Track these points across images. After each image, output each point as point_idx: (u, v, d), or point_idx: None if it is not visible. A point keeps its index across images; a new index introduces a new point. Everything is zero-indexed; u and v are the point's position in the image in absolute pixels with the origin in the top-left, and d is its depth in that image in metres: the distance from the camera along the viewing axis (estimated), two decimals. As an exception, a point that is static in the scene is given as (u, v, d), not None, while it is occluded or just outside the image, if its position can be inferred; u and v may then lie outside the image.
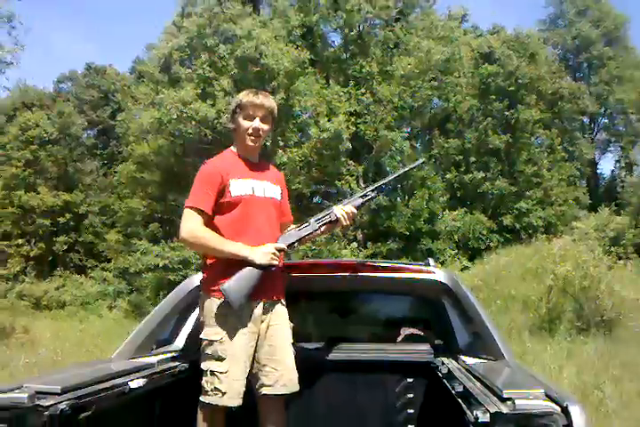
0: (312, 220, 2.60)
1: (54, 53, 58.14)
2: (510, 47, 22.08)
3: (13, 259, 24.07)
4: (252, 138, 2.53)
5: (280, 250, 2.46)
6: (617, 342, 8.26)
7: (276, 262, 2.43)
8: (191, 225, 2.38)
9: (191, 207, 2.40)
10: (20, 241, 24.63)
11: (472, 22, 26.95)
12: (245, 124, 2.52)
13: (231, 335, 2.36)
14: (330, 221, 2.60)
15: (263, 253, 2.40)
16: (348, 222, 2.60)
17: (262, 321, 2.47)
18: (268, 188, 2.56)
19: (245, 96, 2.54)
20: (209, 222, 2.44)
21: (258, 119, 2.52)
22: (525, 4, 58.11)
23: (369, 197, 2.66)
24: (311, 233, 2.61)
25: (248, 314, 2.41)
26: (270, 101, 2.57)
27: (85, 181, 27.09)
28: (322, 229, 2.62)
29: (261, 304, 2.46)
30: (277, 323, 2.52)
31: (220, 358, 2.35)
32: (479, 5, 53.16)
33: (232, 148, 2.63)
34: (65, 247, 25.64)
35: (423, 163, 18.08)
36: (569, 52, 30.68)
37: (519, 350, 7.97)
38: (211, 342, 2.37)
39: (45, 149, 26.11)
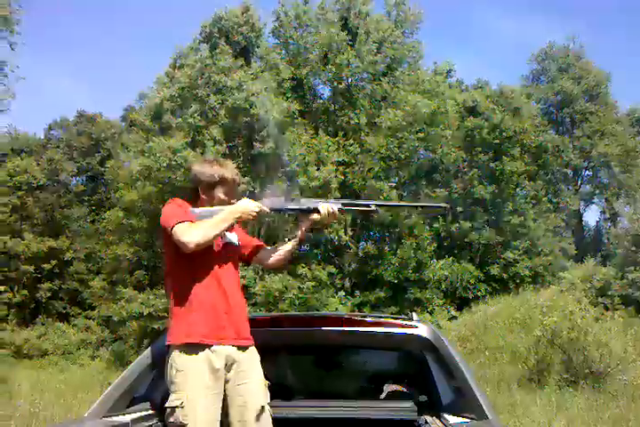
0: (303, 200, 2.63)
1: (46, 99, 59.00)
2: (494, 101, 22.70)
3: (-6, 306, 23.59)
4: None
5: (261, 211, 2.49)
6: (606, 396, 8.16)
7: (255, 212, 2.45)
8: (191, 232, 2.30)
9: (181, 222, 2.33)
10: (2, 288, 24.20)
11: (457, 77, 27.75)
12: (226, 199, 2.51)
13: (191, 399, 2.25)
14: (306, 210, 2.60)
15: (249, 201, 2.47)
16: (329, 219, 2.59)
17: (227, 381, 2.37)
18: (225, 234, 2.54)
19: (228, 172, 2.52)
20: (171, 265, 2.46)
21: (234, 195, 2.55)
22: (509, 61, 60.28)
23: (361, 207, 2.68)
24: (294, 210, 2.62)
25: (209, 370, 2.31)
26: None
27: (72, 227, 26.91)
28: (303, 219, 2.66)
29: (224, 353, 2.35)
30: (246, 381, 2.41)
31: (182, 425, 2.24)
32: (464, 61, 55.13)
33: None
34: (48, 294, 25.20)
35: (444, 208, 18.50)
36: (552, 106, 31.55)
37: (508, 403, 7.86)
38: (173, 409, 2.27)
39: (33, 195, 26.08)
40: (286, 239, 2.75)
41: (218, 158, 2.64)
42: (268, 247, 2.75)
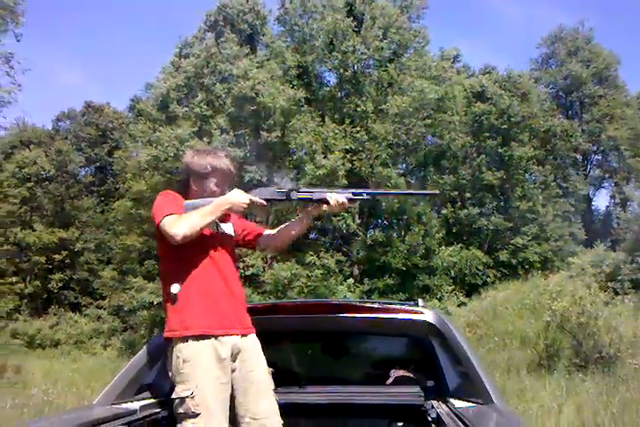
0: (294, 191, 2.56)
1: (54, 91, 59.06)
2: (502, 86, 22.51)
3: (7, 297, 23.86)
4: None
5: (253, 202, 2.44)
6: (616, 380, 8.15)
7: (246, 203, 2.41)
8: (178, 224, 2.26)
9: (169, 215, 2.29)
10: (14, 279, 24.47)
11: (464, 62, 27.49)
12: (218, 191, 2.46)
13: (201, 388, 2.24)
14: (318, 200, 2.57)
15: (240, 192, 2.41)
16: (338, 209, 2.57)
17: (234, 370, 2.37)
18: (219, 225, 2.50)
19: (221, 162, 2.47)
20: (165, 254, 2.42)
21: (227, 186, 2.50)
22: (518, 45, 59.62)
23: (362, 196, 2.63)
24: (289, 200, 2.57)
25: (216, 360, 2.30)
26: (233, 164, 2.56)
27: (82, 218, 27.10)
28: (309, 208, 2.62)
29: (229, 343, 2.34)
30: (252, 369, 2.41)
31: (194, 415, 2.22)
32: (471, 46, 54.60)
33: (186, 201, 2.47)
34: (60, 285, 25.48)
35: (436, 194, 18.62)
36: (561, 90, 31.21)
37: (518, 388, 7.87)
38: (182, 400, 2.24)
39: (42, 187, 26.24)
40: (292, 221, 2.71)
41: (211, 148, 2.60)
42: (271, 231, 2.72)
